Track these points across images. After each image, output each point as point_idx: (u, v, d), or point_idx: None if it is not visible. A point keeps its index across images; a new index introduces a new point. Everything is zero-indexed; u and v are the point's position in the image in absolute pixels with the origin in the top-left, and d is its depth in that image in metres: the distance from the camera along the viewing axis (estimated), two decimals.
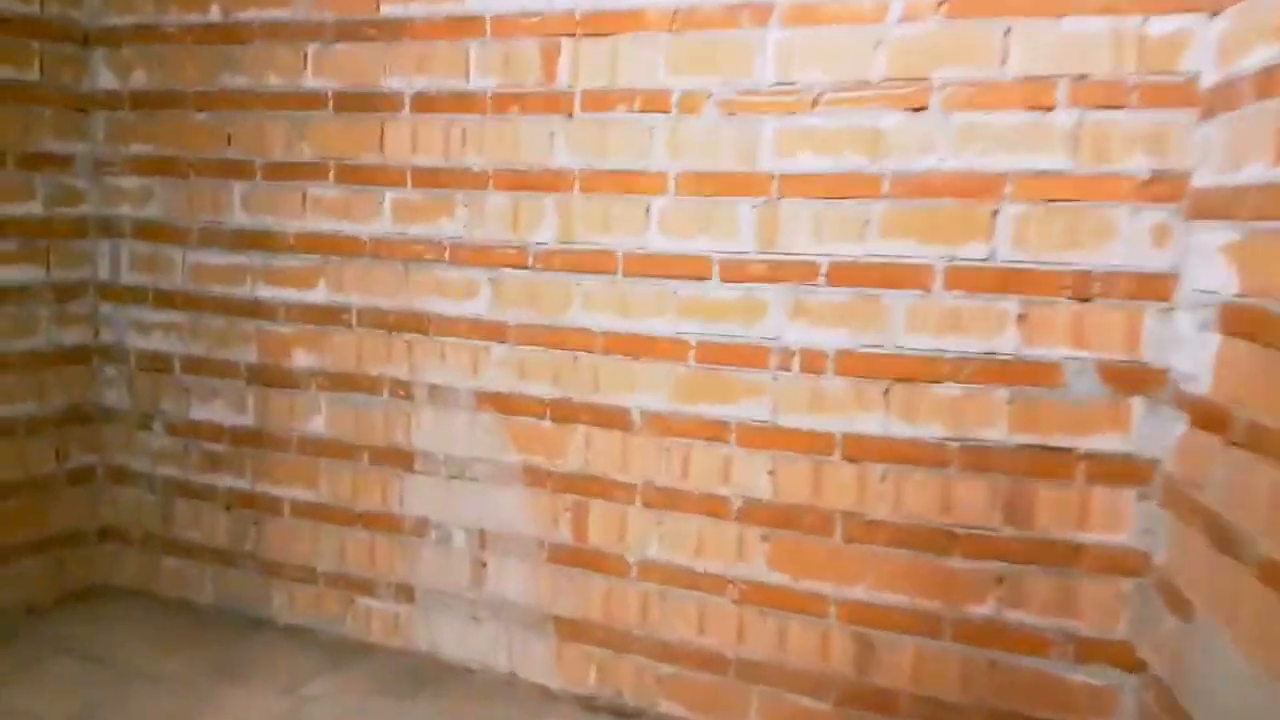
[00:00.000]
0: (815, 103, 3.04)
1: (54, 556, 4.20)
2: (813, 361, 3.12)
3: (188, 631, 4.02)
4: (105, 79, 4.14)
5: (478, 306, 3.59)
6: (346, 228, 3.76)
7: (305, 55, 3.74)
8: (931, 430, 3.00)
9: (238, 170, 3.92)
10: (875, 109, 2.98)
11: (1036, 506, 2.91)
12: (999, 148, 2.85)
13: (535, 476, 3.57)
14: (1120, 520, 2.83)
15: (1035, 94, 2.80)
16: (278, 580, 4.06)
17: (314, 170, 3.79)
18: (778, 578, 3.24)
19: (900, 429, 3.04)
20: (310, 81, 3.75)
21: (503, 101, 3.46)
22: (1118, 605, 2.86)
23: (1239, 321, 2.34)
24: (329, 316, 3.84)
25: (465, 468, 3.68)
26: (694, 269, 3.25)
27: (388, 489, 3.82)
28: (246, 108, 3.87)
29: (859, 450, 3.10)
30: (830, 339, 3.10)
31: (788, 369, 3.16)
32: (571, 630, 3.57)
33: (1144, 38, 2.69)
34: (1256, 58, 2.31)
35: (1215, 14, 2.58)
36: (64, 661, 3.72)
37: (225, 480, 4.11)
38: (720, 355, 3.25)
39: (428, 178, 3.61)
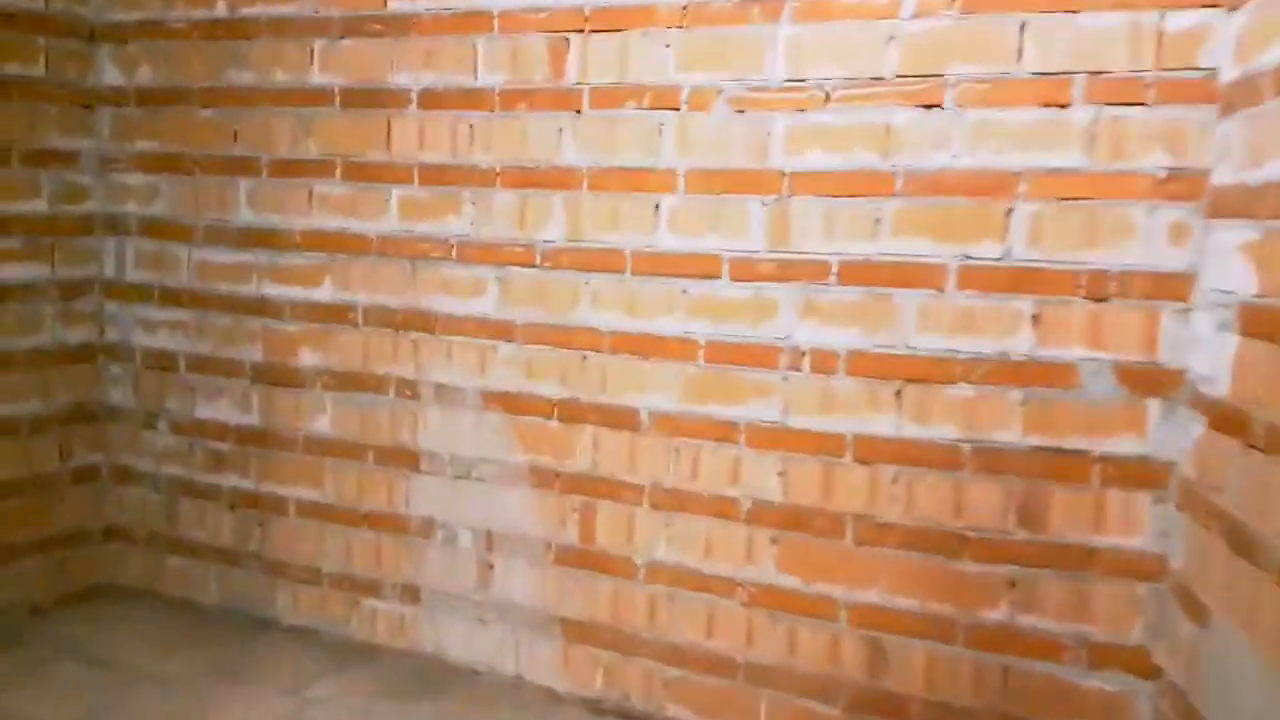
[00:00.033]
0: (827, 99, 3.01)
1: (58, 556, 4.18)
2: (824, 361, 3.09)
3: (192, 632, 4.00)
4: (111, 75, 4.12)
5: (485, 305, 3.56)
6: (353, 225, 3.74)
7: (312, 51, 3.72)
8: (944, 432, 2.97)
9: (244, 167, 3.91)
10: (888, 106, 2.94)
11: (1051, 509, 2.87)
12: (1013, 145, 2.82)
13: (542, 477, 3.54)
14: (1136, 524, 2.79)
15: (1051, 90, 2.77)
16: (282, 581, 4.04)
17: (320, 167, 3.77)
18: (788, 580, 3.21)
19: (912, 430, 3.00)
20: (316, 78, 3.73)
21: (510, 98, 3.44)
22: (1133, 610, 2.82)
23: (1258, 322, 2.30)
24: (335, 315, 3.81)
25: (472, 468, 3.65)
26: (703, 267, 3.22)
27: (393, 489, 3.80)
28: (252, 104, 3.86)
29: (870, 452, 3.06)
30: (841, 339, 3.06)
31: (798, 369, 3.13)
32: (578, 632, 3.54)
33: (1162, 33, 2.65)
34: (1277, 53, 2.26)
35: (1234, 9, 2.54)
36: (67, 664, 3.70)
37: (230, 480, 4.09)
38: (730, 355, 3.22)
39: (435, 175, 3.59)
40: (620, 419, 3.40)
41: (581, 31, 3.31)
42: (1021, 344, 2.86)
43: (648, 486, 3.38)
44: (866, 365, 3.04)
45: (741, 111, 3.12)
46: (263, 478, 4.03)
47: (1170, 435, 2.73)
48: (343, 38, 3.66)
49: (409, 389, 3.72)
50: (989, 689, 2.98)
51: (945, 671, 3.03)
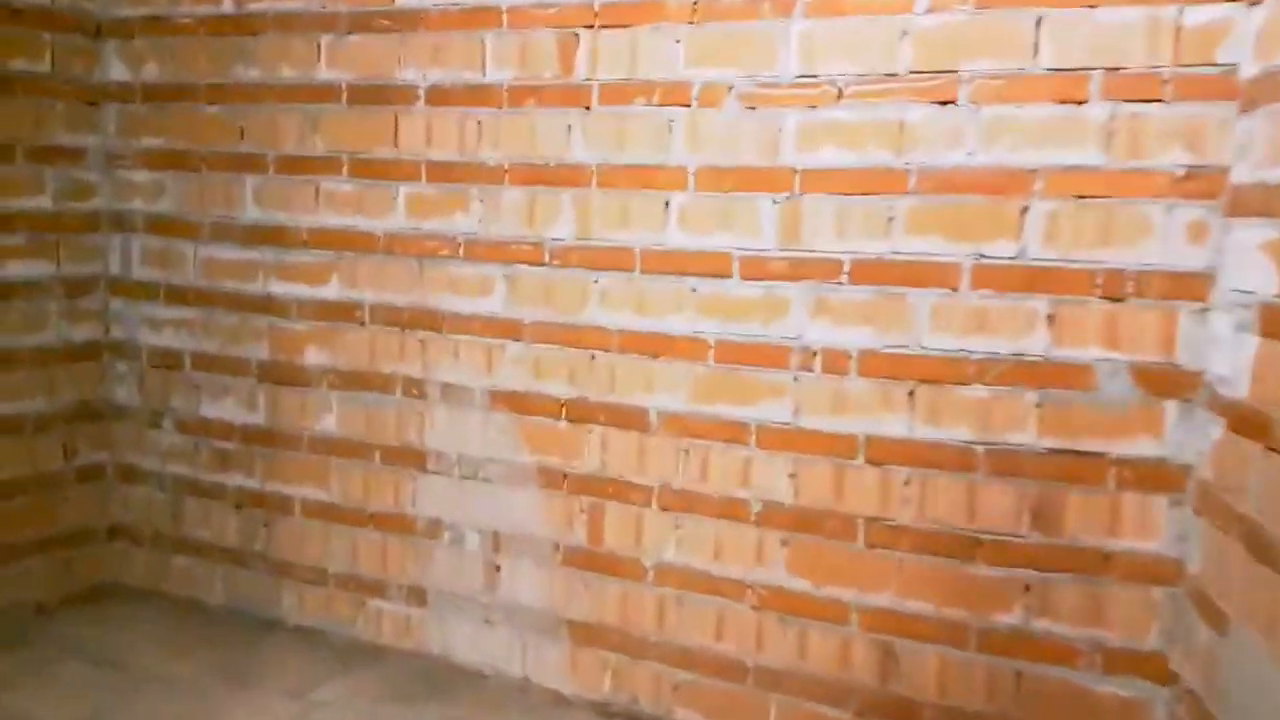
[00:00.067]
0: (839, 95, 2.98)
1: (62, 555, 4.16)
2: (835, 362, 3.06)
3: (197, 633, 3.98)
4: (117, 71, 4.10)
5: (492, 304, 3.54)
6: (360, 223, 3.72)
7: (319, 47, 3.70)
8: (957, 433, 2.93)
9: (250, 164, 3.89)
10: (901, 102, 2.91)
11: (1066, 512, 2.84)
12: (1029, 142, 2.78)
13: (550, 478, 3.51)
14: (1152, 527, 2.76)
15: (1067, 87, 2.73)
16: (288, 581, 4.02)
17: (327, 164, 3.75)
18: (798, 583, 3.18)
19: (925, 432, 2.97)
20: (324, 74, 3.71)
21: (519, 94, 3.41)
22: (1149, 615, 2.78)
23: (1279, 323, 2.26)
24: (341, 313, 3.79)
25: (479, 468, 3.62)
26: (713, 266, 3.19)
27: (400, 489, 3.77)
28: (259, 100, 3.84)
29: (882, 453, 3.03)
30: (853, 338, 3.03)
31: (809, 369, 3.10)
32: (586, 635, 3.51)
33: (1180, 28, 2.61)
34: None
35: (1255, 3, 2.50)
36: (72, 664, 3.68)
37: (235, 479, 4.07)
38: (740, 355, 3.19)
39: (442, 172, 3.56)
40: (629, 419, 3.37)
41: (591, 27, 3.28)
42: (1036, 344, 2.82)
43: (657, 487, 3.35)
44: (879, 365, 3.01)
45: (753, 108, 3.09)
46: (268, 477, 4.01)
47: (1188, 437, 2.69)
48: (350, 33, 3.64)
49: (416, 388, 3.70)
50: (1002, 695, 2.95)
51: (958, 677, 3.00)
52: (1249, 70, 2.51)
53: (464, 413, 3.62)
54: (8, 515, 3.94)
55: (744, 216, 3.13)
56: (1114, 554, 2.79)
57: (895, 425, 3.00)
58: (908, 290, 2.95)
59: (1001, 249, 2.83)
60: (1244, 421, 2.40)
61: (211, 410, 4.09)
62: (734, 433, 3.22)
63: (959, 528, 2.95)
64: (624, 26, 3.23)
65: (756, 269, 3.14)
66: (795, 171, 3.06)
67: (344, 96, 3.68)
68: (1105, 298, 2.74)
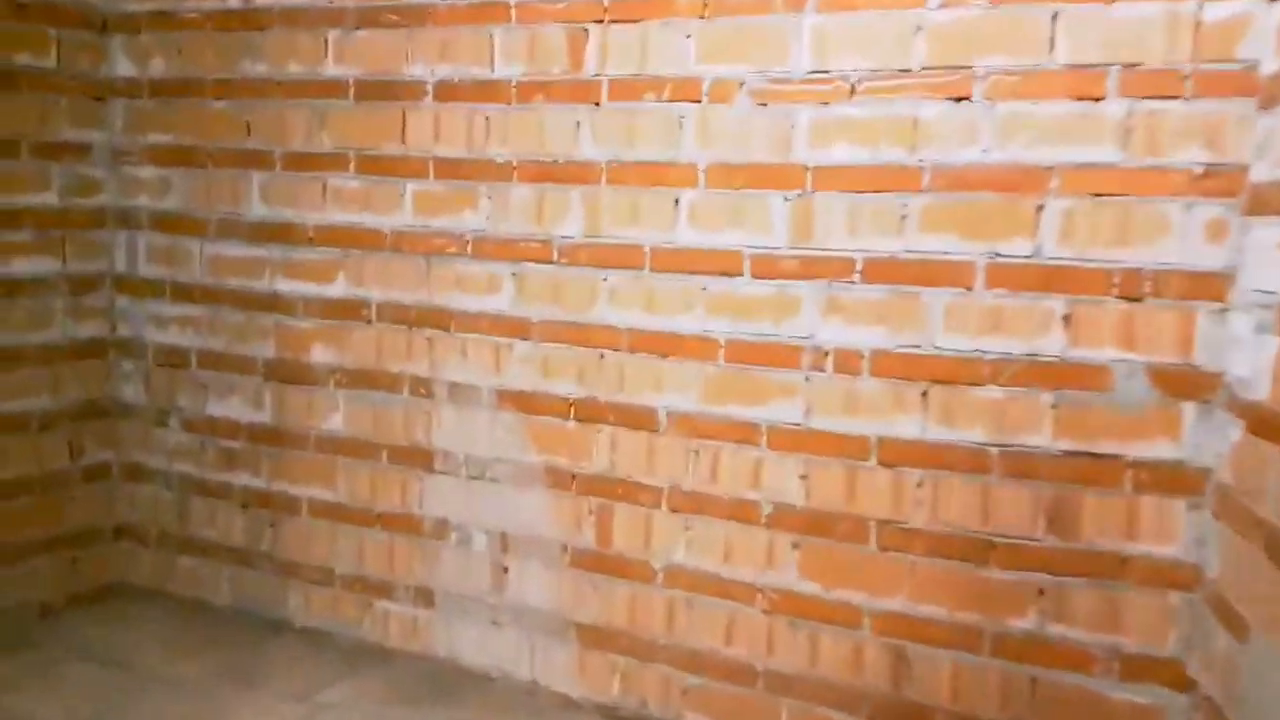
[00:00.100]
0: (852, 91, 2.95)
1: (68, 555, 4.14)
2: (847, 361, 3.02)
3: (203, 633, 3.96)
4: (123, 66, 4.09)
5: (500, 302, 3.51)
6: (367, 220, 3.69)
7: (326, 42, 3.68)
8: (971, 435, 2.89)
9: (257, 160, 3.87)
10: (915, 98, 2.88)
11: (1081, 516, 2.80)
12: (1045, 139, 2.74)
13: (558, 478, 3.48)
14: (1170, 531, 2.72)
15: (1084, 83, 2.69)
16: (295, 581, 4.00)
17: (334, 161, 3.72)
18: (809, 587, 3.15)
19: (938, 433, 2.93)
20: (331, 69, 3.69)
21: (528, 90, 3.38)
22: (1166, 621, 2.74)
23: None
24: (348, 311, 3.77)
25: (486, 468, 3.60)
26: (724, 264, 3.16)
27: (407, 489, 3.75)
28: (266, 96, 3.82)
29: (895, 455, 3.00)
30: (866, 338, 3.00)
31: (821, 369, 3.06)
32: (595, 638, 3.48)
33: (1199, 23, 2.57)
34: None
35: None
36: (77, 665, 3.67)
37: (242, 478, 4.06)
38: (751, 354, 3.16)
39: (450, 169, 3.54)
40: (638, 419, 3.34)
41: (601, 22, 3.25)
42: (1052, 345, 2.78)
43: (666, 488, 3.32)
44: (892, 365, 2.97)
45: (764, 104, 3.06)
46: (275, 476, 3.99)
47: (1206, 440, 2.65)
48: (357, 28, 3.62)
49: (423, 387, 3.67)
50: (1016, 700, 2.91)
51: (971, 682, 2.96)
52: (1269, 66, 2.47)
53: (471, 412, 3.60)
54: (13, 514, 3.92)
55: (755, 214, 3.10)
56: (1131, 558, 2.75)
57: (908, 426, 2.97)
58: (921, 289, 2.92)
59: (1017, 248, 2.80)
60: (1264, 424, 2.36)
61: (218, 409, 4.07)
62: (745, 433, 3.19)
63: (973, 530, 2.92)
64: (634, 21, 3.20)
65: (767, 267, 3.10)
66: (807, 168, 3.02)
67: (351, 92, 3.66)
68: (1122, 297, 2.70)
